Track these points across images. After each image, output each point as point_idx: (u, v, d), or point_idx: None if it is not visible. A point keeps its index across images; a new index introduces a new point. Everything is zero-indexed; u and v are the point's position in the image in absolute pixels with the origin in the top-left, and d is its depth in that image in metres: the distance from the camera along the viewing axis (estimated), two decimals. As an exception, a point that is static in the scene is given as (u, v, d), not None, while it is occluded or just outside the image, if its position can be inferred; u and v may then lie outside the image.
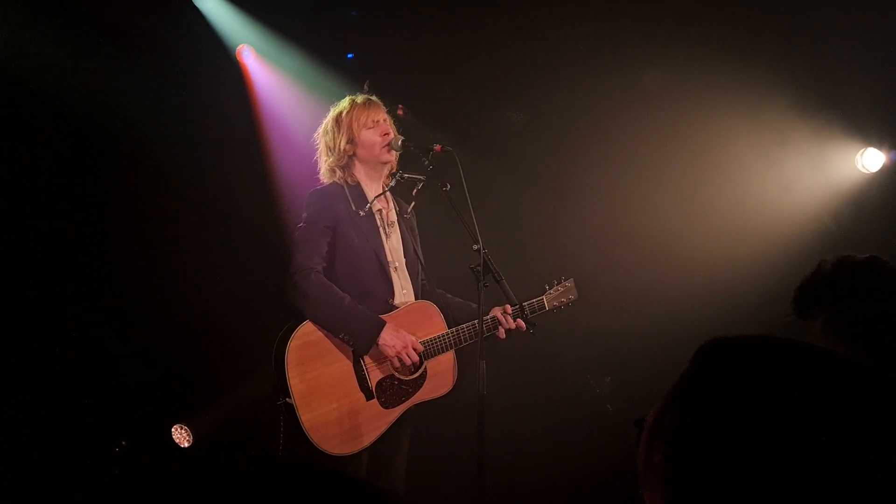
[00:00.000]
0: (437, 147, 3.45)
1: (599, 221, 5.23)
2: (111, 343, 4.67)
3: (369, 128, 3.57)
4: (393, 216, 3.69)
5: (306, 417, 3.30)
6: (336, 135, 3.58)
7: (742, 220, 4.96)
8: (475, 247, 3.31)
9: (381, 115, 3.62)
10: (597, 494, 4.70)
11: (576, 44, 5.10)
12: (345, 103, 3.65)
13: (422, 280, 3.76)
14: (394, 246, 3.64)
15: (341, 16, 5.22)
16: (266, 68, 5.14)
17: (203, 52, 4.99)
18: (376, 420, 3.44)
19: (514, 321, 3.56)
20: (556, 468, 4.80)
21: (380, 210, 3.64)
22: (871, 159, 4.88)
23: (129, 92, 4.64)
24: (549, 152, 5.24)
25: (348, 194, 3.56)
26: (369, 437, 3.41)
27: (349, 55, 5.37)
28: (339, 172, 3.60)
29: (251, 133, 5.11)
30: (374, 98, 3.68)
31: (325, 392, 3.36)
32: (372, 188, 3.64)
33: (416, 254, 3.73)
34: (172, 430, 4.79)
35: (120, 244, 4.77)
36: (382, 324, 3.40)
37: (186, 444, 4.80)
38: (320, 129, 3.68)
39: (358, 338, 3.39)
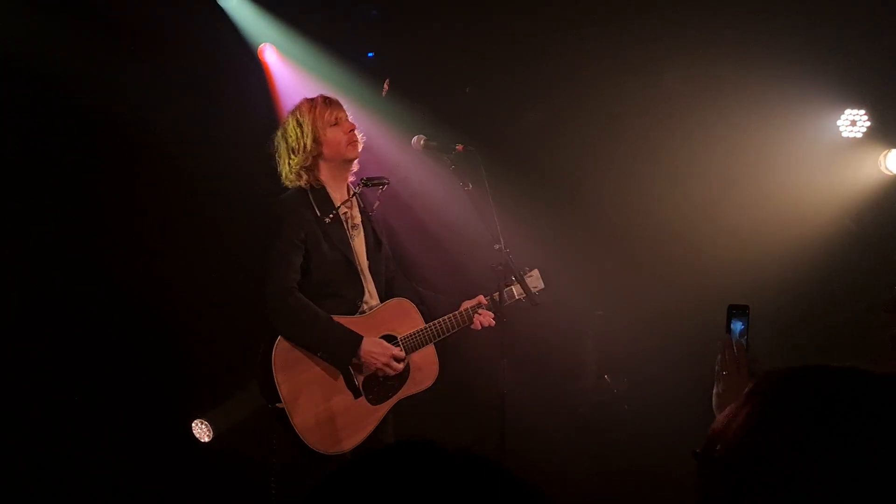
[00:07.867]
0: (460, 147, 3.46)
1: (619, 221, 5.22)
2: (134, 338, 4.72)
3: (333, 125, 3.54)
4: (357, 219, 3.66)
5: (298, 420, 3.31)
6: (300, 135, 3.52)
7: (763, 221, 4.93)
8: (496, 246, 3.31)
9: (343, 113, 3.59)
10: (612, 493, 4.71)
11: (596, 44, 5.09)
12: (303, 104, 3.60)
13: (393, 274, 3.75)
14: (357, 248, 3.61)
15: (362, 14, 5.24)
16: (288, 67, 5.16)
17: (225, 50, 5.02)
18: (366, 417, 3.47)
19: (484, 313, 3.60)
20: (573, 467, 4.81)
21: (345, 213, 3.60)
22: (894, 161, 4.85)
23: (151, 90, 4.68)
24: (570, 152, 5.23)
25: (312, 200, 3.52)
26: (361, 434, 3.43)
27: (369, 54, 5.38)
28: (304, 175, 3.54)
29: (272, 131, 5.13)
30: (331, 97, 3.64)
31: (314, 393, 3.37)
32: (336, 191, 3.60)
33: (383, 250, 3.70)
34: (192, 424, 4.82)
35: (140, 241, 4.82)
36: (359, 339, 3.39)
37: (207, 439, 4.84)
38: (278, 134, 3.62)
39: (333, 356, 3.40)
